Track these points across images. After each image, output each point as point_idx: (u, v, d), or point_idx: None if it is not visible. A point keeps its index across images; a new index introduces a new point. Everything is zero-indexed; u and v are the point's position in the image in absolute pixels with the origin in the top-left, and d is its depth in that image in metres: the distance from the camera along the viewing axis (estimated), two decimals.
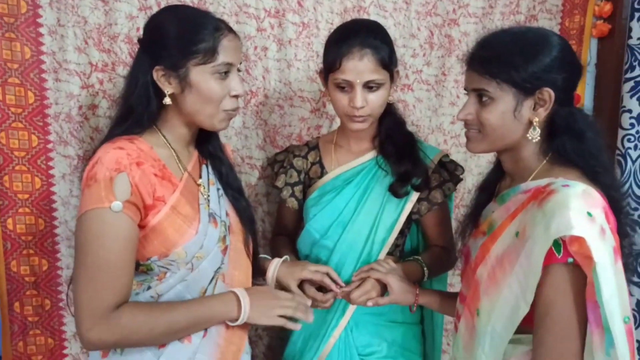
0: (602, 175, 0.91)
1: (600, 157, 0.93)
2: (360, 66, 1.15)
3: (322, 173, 1.35)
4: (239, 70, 1.06)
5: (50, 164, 1.38)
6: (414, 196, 1.27)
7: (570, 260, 0.82)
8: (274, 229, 1.55)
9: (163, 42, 0.99)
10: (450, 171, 1.32)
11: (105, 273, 0.91)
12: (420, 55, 1.65)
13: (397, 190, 1.26)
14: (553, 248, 0.82)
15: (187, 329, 1.00)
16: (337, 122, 1.51)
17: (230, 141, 1.55)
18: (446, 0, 1.63)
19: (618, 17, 1.68)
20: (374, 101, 1.19)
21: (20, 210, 1.36)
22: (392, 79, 1.23)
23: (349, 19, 1.56)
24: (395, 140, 1.28)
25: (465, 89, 1.00)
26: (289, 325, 1.08)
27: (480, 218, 1.07)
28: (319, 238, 1.31)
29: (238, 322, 1.03)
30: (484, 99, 0.93)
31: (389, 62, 1.18)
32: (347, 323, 1.29)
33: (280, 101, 1.58)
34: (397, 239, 1.30)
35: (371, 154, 1.31)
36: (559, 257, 0.82)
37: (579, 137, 0.92)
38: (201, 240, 1.02)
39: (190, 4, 1.44)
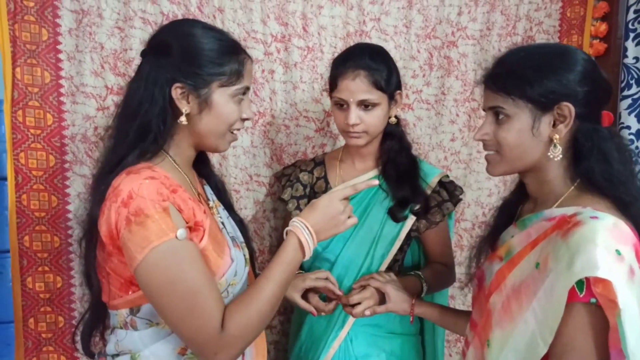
0: (632, 205, 0.85)
1: (630, 183, 0.87)
2: (352, 86, 1.23)
3: (327, 188, 1.40)
4: None
5: (67, 182, 1.44)
6: (413, 218, 1.32)
7: (593, 300, 0.76)
8: (279, 242, 1.59)
9: (190, 58, 0.93)
10: (449, 191, 1.35)
11: (201, 295, 0.86)
12: (420, 76, 1.71)
13: (395, 215, 1.30)
14: (575, 286, 0.76)
15: (283, 292, 0.96)
16: (341, 141, 1.56)
17: (239, 160, 1.60)
18: (445, 24, 1.69)
19: (613, 37, 1.73)
20: (369, 120, 1.25)
21: (37, 227, 1.41)
22: (391, 100, 1.29)
23: (351, 42, 1.62)
24: (397, 164, 1.33)
25: (483, 109, 0.97)
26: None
27: (498, 241, 1.02)
28: (320, 251, 1.35)
29: (306, 256, 0.98)
30: (500, 116, 0.90)
31: (385, 84, 1.24)
32: (346, 334, 1.31)
33: (286, 121, 1.63)
34: (396, 254, 1.34)
35: (373, 173, 1.36)
36: (581, 296, 0.76)
37: (606, 158, 0.86)
38: (235, 266, 0.98)
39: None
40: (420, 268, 1.41)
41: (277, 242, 1.66)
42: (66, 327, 1.48)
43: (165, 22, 1.45)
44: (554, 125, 0.87)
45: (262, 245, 1.66)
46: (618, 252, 0.75)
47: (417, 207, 1.30)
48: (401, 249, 1.35)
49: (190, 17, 1.49)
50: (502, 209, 1.08)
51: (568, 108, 0.85)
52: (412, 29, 1.68)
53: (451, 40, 1.70)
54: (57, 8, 1.39)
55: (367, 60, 1.23)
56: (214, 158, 1.50)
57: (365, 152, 1.35)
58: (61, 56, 1.40)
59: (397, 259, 1.37)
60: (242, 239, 1.11)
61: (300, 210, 1.39)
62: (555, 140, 0.87)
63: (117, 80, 1.45)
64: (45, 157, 1.41)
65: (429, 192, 1.33)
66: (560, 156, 0.87)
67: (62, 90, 1.41)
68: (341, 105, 1.26)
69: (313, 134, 1.66)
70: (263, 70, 1.59)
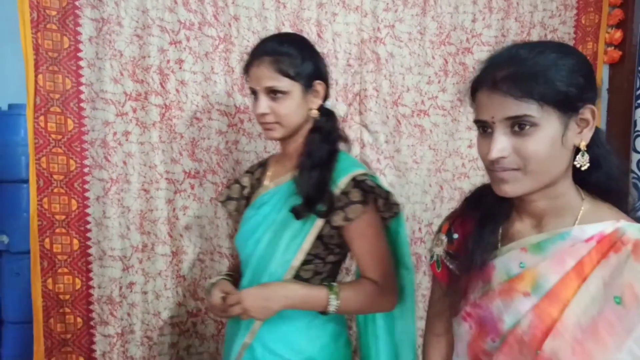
0: (624, 204, 0.83)
1: (622, 181, 0.84)
2: (257, 72, 1.15)
3: (258, 188, 1.31)
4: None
5: (86, 186, 1.47)
6: (320, 221, 1.15)
7: None
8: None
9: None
10: (365, 192, 1.14)
11: None
12: (436, 82, 1.72)
13: (298, 212, 1.15)
14: None
15: None
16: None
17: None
18: (459, 30, 1.70)
19: (628, 44, 1.73)
20: (279, 109, 1.15)
21: (57, 230, 1.45)
22: (308, 89, 1.17)
23: (366, 49, 1.64)
24: (312, 159, 1.18)
25: (482, 122, 0.80)
26: None
27: (494, 271, 0.86)
28: (239, 252, 1.27)
29: None
30: (526, 127, 0.75)
31: (295, 70, 1.14)
32: (253, 339, 1.19)
33: None
34: (313, 263, 1.18)
35: (291, 174, 1.23)
36: None
37: (610, 164, 0.83)
38: None
39: (212, 38, 1.54)
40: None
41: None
42: (84, 328, 1.51)
43: (183, 30, 1.51)
44: (580, 131, 0.78)
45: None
46: None
47: (324, 207, 1.13)
48: (319, 257, 1.18)
49: (206, 25, 1.52)
50: (482, 227, 0.89)
51: (591, 110, 0.78)
52: (427, 36, 1.69)
53: (466, 47, 1.71)
54: (78, 17, 1.42)
55: (273, 46, 1.15)
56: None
57: (291, 149, 1.23)
58: (82, 63, 1.44)
59: (320, 271, 1.20)
60: None
61: (239, 212, 1.32)
62: (583, 148, 0.78)
63: (136, 87, 1.48)
64: (65, 162, 1.45)
65: (338, 191, 1.14)
66: (588, 164, 0.79)
67: (82, 96, 1.45)
68: (254, 95, 1.18)
69: None
70: None
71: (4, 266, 1.89)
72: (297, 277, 1.17)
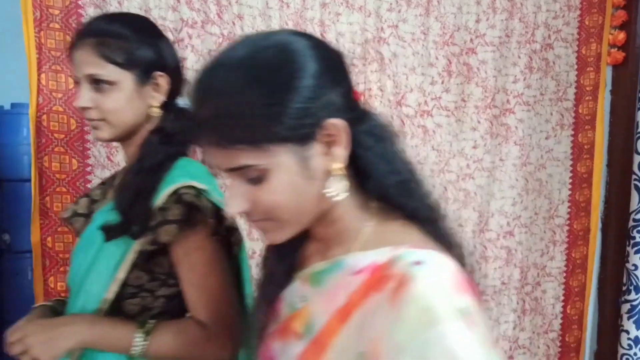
0: (431, 222, 0.66)
1: (406, 190, 0.65)
2: (78, 56, 0.94)
3: (103, 200, 1.09)
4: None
5: (88, 186, 1.46)
6: (137, 245, 0.92)
7: None
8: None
9: None
10: (191, 209, 0.91)
11: None
12: (439, 83, 1.71)
13: (107, 233, 0.93)
14: None
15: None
16: None
17: None
18: (463, 31, 1.70)
19: (631, 45, 1.73)
20: (104, 104, 0.93)
21: (59, 229, 1.44)
22: (145, 81, 0.96)
23: (369, 49, 1.64)
24: (142, 165, 0.96)
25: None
26: None
27: (282, 303, 0.70)
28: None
29: None
30: (256, 176, 0.58)
31: (126, 58, 0.93)
32: None
33: None
34: (139, 296, 0.95)
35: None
36: None
37: (370, 167, 0.63)
38: None
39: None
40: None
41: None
42: None
43: (185, 28, 1.50)
44: (327, 152, 0.60)
45: None
46: (462, 311, 0.53)
47: (137, 227, 0.91)
48: (153, 285, 0.95)
49: (210, 23, 1.52)
50: (278, 252, 0.73)
51: (334, 125, 0.58)
52: (430, 36, 1.68)
53: (470, 47, 1.71)
54: (81, 16, 1.42)
55: (100, 25, 0.95)
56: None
57: (130, 154, 1.01)
58: None
59: (149, 307, 0.96)
60: None
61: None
62: (336, 172, 0.60)
63: None
64: (68, 161, 1.44)
65: (156, 207, 0.91)
66: (345, 193, 0.61)
67: None
68: (77, 84, 0.97)
69: None
70: None
71: (6, 265, 1.89)
72: (119, 312, 0.94)
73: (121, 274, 0.93)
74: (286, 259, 0.72)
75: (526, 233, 1.82)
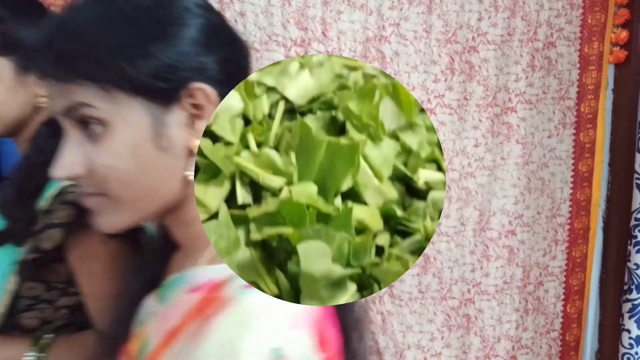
0: None
1: None
2: None
3: None
4: None
5: None
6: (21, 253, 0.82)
7: None
8: None
9: None
10: (76, 208, 0.78)
11: None
12: (442, 81, 1.70)
13: None
14: None
15: None
16: None
17: None
18: (465, 29, 1.69)
19: (634, 44, 1.72)
20: None
21: None
22: (25, 69, 0.82)
23: (371, 47, 1.63)
24: (28, 160, 0.86)
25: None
26: None
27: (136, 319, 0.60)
28: None
29: None
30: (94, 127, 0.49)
31: (0, 42, 0.80)
32: None
33: None
34: (37, 308, 0.85)
35: None
36: None
37: None
38: None
39: None
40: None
41: None
42: None
43: None
44: (190, 126, 0.52)
45: None
46: (275, 353, 0.44)
47: (17, 232, 0.82)
48: (52, 295, 0.85)
49: None
50: (147, 262, 0.65)
51: (203, 91, 0.51)
52: (432, 34, 1.68)
53: (472, 46, 1.70)
54: None
55: None
56: None
57: (23, 149, 0.90)
58: None
59: (45, 312, 0.85)
60: None
61: None
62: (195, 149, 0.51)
63: None
64: None
65: (41, 209, 0.81)
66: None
67: None
68: None
69: None
70: None
71: None
72: (16, 327, 0.85)
73: (11, 285, 0.83)
74: (147, 270, 0.62)
75: (528, 232, 1.81)
